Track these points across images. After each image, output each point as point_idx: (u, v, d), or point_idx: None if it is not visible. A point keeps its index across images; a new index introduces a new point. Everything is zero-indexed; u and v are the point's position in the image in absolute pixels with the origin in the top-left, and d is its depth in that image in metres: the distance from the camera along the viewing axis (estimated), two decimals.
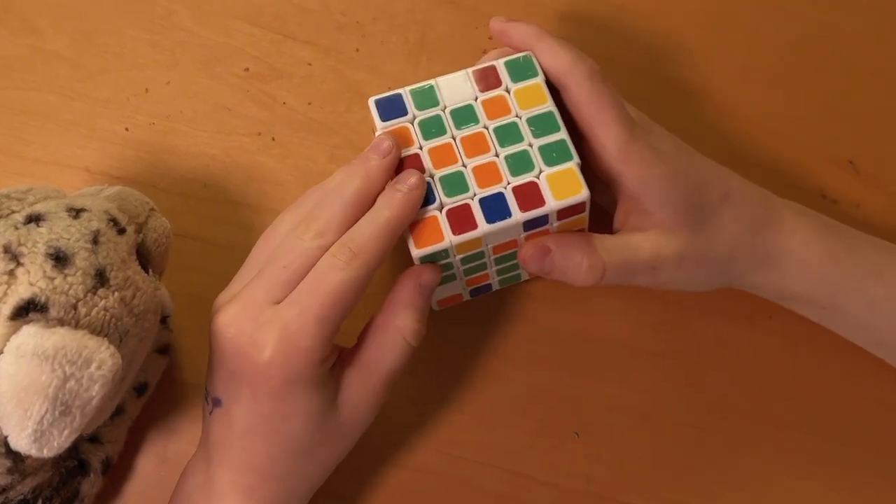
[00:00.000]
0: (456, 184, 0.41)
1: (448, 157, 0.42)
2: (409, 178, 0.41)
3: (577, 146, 0.42)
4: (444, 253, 0.41)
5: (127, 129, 0.54)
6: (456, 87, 0.44)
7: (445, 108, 0.43)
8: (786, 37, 0.56)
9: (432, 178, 0.41)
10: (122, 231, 0.40)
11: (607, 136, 0.43)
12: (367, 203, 0.41)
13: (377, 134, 0.43)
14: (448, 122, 0.43)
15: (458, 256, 0.41)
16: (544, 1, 0.56)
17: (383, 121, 0.43)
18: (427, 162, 0.42)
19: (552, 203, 0.40)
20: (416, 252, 0.40)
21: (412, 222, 0.40)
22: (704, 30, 0.56)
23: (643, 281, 0.44)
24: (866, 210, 0.52)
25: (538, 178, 0.41)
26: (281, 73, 0.55)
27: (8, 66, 0.55)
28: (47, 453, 0.34)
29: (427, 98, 0.43)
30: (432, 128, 0.43)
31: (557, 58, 0.44)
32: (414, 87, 0.44)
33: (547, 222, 0.41)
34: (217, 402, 0.41)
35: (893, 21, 0.56)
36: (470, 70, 0.44)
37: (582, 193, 0.40)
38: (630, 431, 0.48)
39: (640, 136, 0.43)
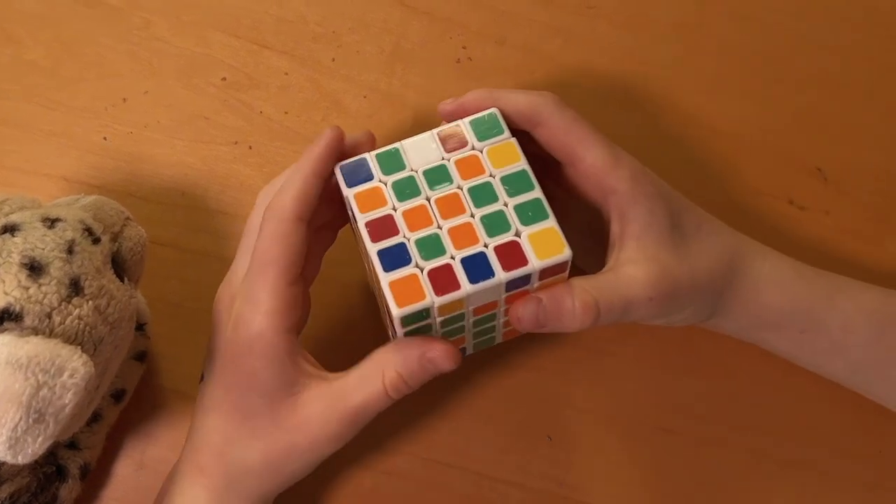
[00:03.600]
0: (432, 246, 0.39)
1: (423, 219, 0.40)
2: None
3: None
4: (426, 313, 0.39)
5: (105, 139, 0.54)
6: (422, 149, 0.42)
7: (417, 169, 0.42)
8: (756, 47, 0.57)
9: (407, 241, 0.40)
10: (97, 240, 0.40)
11: (595, 156, 0.43)
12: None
13: (346, 198, 0.42)
14: (422, 182, 0.41)
15: (439, 318, 0.40)
16: (519, 11, 0.57)
17: (349, 187, 0.41)
18: (401, 224, 0.40)
19: (535, 263, 0.39)
20: (397, 311, 0.38)
21: (393, 280, 0.39)
22: (676, 40, 0.57)
23: (640, 313, 0.42)
24: (835, 217, 0.53)
25: (519, 237, 0.40)
26: (258, 83, 0.56)
27: None
28: (22, 460, 0.34)
29: (393, 161, 0.42)
30: (406, 188, 0.41)
31: (521, 99, 0.44)
32: (379, 151, 0.42)
33: (529, 282, 0.40)
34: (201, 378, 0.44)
35: (861, 32, 0.57)
36: (435, 131, 0.43)
37: (564, 253, 0.39)
38: (602, 435, 0.49)
39: (623, 155, 0.44)
